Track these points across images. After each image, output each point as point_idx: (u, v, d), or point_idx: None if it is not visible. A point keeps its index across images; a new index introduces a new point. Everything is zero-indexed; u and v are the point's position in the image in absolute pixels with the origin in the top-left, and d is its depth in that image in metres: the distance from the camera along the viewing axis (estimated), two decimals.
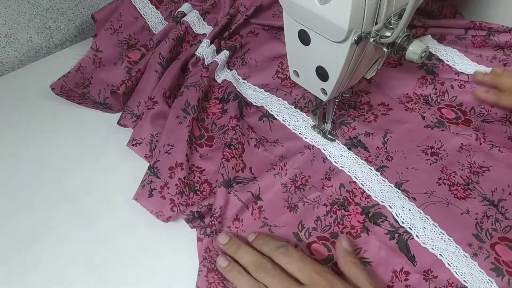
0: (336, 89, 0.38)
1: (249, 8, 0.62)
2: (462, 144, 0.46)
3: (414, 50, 0.34)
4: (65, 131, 0.52)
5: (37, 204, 0.45)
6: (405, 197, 0.42)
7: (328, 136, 0.47)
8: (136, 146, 0.48)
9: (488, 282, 0.37)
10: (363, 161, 0.46)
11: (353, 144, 0.47)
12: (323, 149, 0.47)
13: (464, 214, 0.41)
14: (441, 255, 0.38)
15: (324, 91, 0.40)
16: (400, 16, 0.33)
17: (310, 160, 0.46)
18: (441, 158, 0.45)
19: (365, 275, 0.35)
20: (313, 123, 0.48)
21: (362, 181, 0.44)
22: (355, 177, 0.44)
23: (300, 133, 0.49)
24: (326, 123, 0.47)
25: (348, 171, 0.45)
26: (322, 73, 0.38)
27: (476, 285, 0.36)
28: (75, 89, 0.56)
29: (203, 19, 0.62)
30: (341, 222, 0.41)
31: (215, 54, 0.58)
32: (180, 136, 0.47)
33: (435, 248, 0.39)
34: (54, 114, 0.55)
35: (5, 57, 0.62)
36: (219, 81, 0.56)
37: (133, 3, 0.61)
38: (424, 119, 0.49)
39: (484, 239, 0.39)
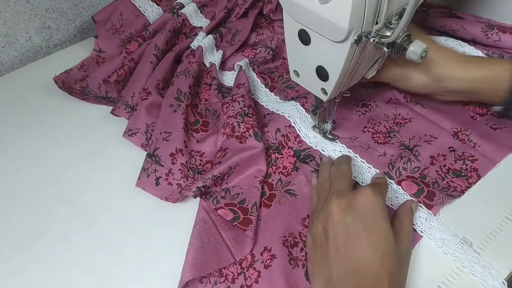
0: (336, 89, 0.38)
1: (247, 0, 0.63)
2: (391, 98, 0.51)
3: (415, 50, 0.34)
4: (65, 131, 0.52)
5: (37, 203, 0.45)
6: (337, 141, 0.47)
7: (328, 136, 0.47)
8: (132, 136, 0.49)
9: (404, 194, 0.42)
10: (302, 108, 0.50)
11: (294, 99, 0.52)
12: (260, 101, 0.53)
13: (381, 156, 0.45)
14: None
15: (324, 91, 0.40)
16: (400, 16, 0.33)
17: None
18: (370, 110, 0.50)
19: (409, 230, 0.37)
20: (313, 123, 0.48)
21: (300, 127, 0.48)
22: (294, 122, 0.48)
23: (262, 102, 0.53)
24: (326, 123, 0.46)
25: (288, 116, 0.49)
26: (322, 73, 0.38)
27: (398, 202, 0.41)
28: (74, 86, 0.56)
29: (201, 11, 0.62)
30: (274, 164, 0.45)
31: (214, 47, 0.58)
32: (176, 124, 0.47)
33: (364, 181, 0.44)
34: (53, 114, 0.55)
35: (5, 57, 0.62)
36: (208, 64, 0.56)
37: (132, 1, 0.61)
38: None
39: (393, 176, 0.43)
